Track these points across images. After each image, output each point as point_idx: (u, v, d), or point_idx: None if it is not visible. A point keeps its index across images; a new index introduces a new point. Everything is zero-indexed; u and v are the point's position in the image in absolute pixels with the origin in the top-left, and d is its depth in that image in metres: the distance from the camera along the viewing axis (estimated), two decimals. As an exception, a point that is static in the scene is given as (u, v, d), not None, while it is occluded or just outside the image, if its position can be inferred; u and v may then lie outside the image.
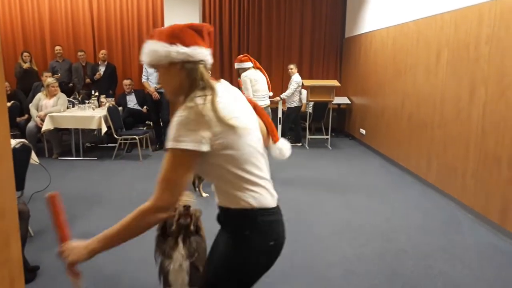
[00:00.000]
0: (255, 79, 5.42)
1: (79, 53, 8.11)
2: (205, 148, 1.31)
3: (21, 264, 0.91)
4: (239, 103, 1.47)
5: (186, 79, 1.39)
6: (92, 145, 7.51)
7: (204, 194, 4.78)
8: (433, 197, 4.86)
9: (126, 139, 6.86)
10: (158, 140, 7.39)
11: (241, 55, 5.69)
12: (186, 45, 1.38)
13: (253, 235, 1.43)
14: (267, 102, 5.67)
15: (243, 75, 5.43)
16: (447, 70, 4.79)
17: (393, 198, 4.81)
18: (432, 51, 5.13)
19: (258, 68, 5.52)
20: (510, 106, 3.71)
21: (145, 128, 7.37)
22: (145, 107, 7.38)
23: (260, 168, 1.45)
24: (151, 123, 7.51)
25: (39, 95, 6.65)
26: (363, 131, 7.79)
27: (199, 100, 1.33)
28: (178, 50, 1.36)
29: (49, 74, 7.37)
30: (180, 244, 1.98)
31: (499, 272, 3.16)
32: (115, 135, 6.49)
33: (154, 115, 7.23)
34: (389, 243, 3.62)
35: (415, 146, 5.57)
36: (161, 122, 7.29)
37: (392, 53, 6.41)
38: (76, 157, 6.56)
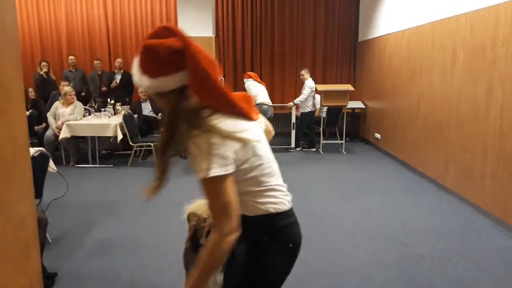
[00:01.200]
0: (256, 90, 7.11)
1: (95, 62, 8.24)
2: (231, 168, 1.30)
3: (40, 272, 0.93)
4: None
5: (174, 105, 1.31)
6: (108, 152, 7.60)
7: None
8: (451, 202, 4.78)
9: (142, 146, 6.92)
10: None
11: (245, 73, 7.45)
12: (152, 76, 1.28)
13: (272, 239, 1.45)
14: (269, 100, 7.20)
15: (247, 83, 7.28)
16: (463, 72, 4.72)
17: (409, 203, 4.74)
18: (448, 52, 5.07)
19: (258, 81, 7.26)
20: (529, 108, 3.64)
21: (160, 135, 7.43)
22: (160, 114, 7.45)
23: (273, 174, 1.47)
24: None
25: (56, 104, 6.77)
26: (378, 135, 7.72)
27: (202, 127, 1.29)
28: (147, 84, 1.30)
29: (66, 83, 7.51)
30: None
31: (521, 278, 3.09)
32: (130, 143, 6.56)
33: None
34: (406, 248, 3.57)
35: (432, 149, 5.49)
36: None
37: (407, 55, 6.35)
38: (92, 164, 6.65)
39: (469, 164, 4.58)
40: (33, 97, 7.27)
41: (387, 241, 3.72)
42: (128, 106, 7.56)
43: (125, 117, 6.56)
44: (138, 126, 7.02)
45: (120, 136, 6.39)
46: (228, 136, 1.29)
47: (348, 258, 3.38)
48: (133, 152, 6.73)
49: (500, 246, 3.63)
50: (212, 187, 1.29)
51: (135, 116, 7.22)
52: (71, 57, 8.25)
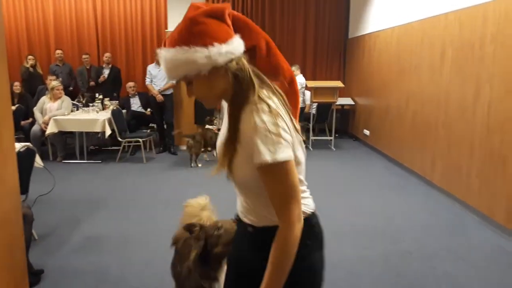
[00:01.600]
0: None
1: (84, 56, 8.14)
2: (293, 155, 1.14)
3: (25, 269, 0.91)
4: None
5: (233, 80, 1.14)
6: (96, 148, 7.53)
7: (199, 164, 6.25)
8: (438, 198, 4.83)
9: (130, 142, 6.87)
10: (162, 143, 7.40)
11: None
12: (222, 41, 1.11)
13: (313, 241, 1.29)
14: None
15: None
16: (452, 70, 4.77)
17: (397, 200, 4.78)
18: (437, 50, 5.11)
19: None
20: (515, 106, 3.69)
21: (149, 131, 7.37)
22: (148, 109, 7.40)
23: (302, 171, 1.30)
24: (155, 126, 7.53)
25: (44, 99, 6.68)
26: (367, 132, 7.76)
27: (269, 101, 1.12)
28: (219, 51, 1.10)
29: (54, 77, 7.40)
30: (225, 266, 1.71)
31: (505, 273, 3.13)
32: (119, 138, 6.50)
33: (158, 117, 7.25)
34: (393, 244, 3.60)
35: (419, 146, 5.54)
36: (165, 125, 7.30)
37: (396, 53, 6.39)
38: (80, 160, 6.58)
39: (456, 162, 4.63)
40: (19, 91, 7.15)
41: (374, 237, 3.74)
42: (117, 101, 7.49)
43: (113, 112, 6.50)
44: (126, 121, 6.96)
45: (108, 132, 6.33)
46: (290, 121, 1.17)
47: (335, 254, 3.39)
48: (121, 147, 6.67)
49: (487, 242, 3.68)
50: (279, 172, 1.11)
51: (124, 111, 7.16)
52: (58, 51, 8.14)
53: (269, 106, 1.10)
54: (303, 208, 1.22)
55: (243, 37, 1.16)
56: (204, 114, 7.21)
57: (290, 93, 1.25)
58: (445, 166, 4.90)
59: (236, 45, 1.14)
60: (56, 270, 3.08)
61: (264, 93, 1.14)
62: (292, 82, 1.28)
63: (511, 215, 3.75)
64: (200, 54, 1.09)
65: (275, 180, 1.12)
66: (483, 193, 4.15)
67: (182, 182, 5.53)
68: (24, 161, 3.28)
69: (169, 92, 7.17)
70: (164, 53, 1.15)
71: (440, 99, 5.01)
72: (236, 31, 1.16)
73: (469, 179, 4.39)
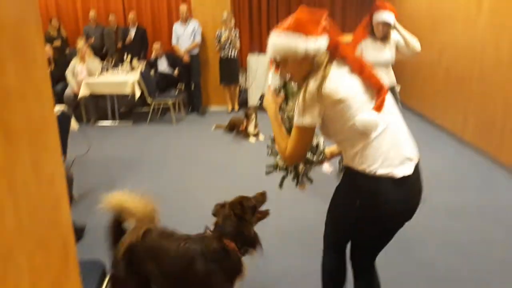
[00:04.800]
0: None
1: (110, 17, 8.14)
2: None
3: (71, 225, 0.99)
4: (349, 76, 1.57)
5: (315, 67, 1.54)
6: (127, 110, 7.68)
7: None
8: (469, 155, 4.74)
9: (159, 103, 6.97)
10: (190, 103, 7.47)
11: None
12: (316, 37, 1.52)
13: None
14: None
15: None
16: (488, 20, 4.53)
17: (426, 156, 4.71)
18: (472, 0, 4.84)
19: None
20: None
21: (177, 92, 7.43)
22: (176, 70, 7.41)
23: None
24: (183, 86, 7.57)
25: (74, 61, 6.79)
26: (397, 87, 7.56)
27: (316, 79, 1.52)
28: (315, 44, 1.51)
29: (83, 39, 7.47)
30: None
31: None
32: (148, 101, 6.60)
33: (185, 78, 7.28)
34: (422, 202, 3.59)
35: (452, 102, 5.39)
36: (192, 85, 7.33)
37: (428, 1, 6.09)
38: (112, 122, 6.75)
39: (490, 117, 4.50)
40: (50, 56, 7.23)
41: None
42: (145, 62, 7.53)
43: (142, 74, 6.56)
44: (155, 82, 7.02)
45: (138, 94, 6.43)
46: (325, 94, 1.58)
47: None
48: (151, 109, 6.79)
49: (518, 198, 3.64)
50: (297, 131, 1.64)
51: (151, 72, 7.22)
52: (91, 12, 8.13)
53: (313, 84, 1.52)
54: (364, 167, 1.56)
55: (329, 36, 1.56)
56: (230, 74, 7.19)
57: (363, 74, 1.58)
58: (478, 122, 4.77)
59: (323, 42, 1.53)
60: (96, 228, 3.26)
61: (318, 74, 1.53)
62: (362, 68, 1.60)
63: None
64: (300, 44, 1.50)
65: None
66: (517, 149, 4.05)
67: (211, 142, 5.63)
68: (61, 125, 3.41)
69: (195, 52, 7.14)
70: (273, 37, 1.57)
71: (476, 50, 4.79)
72: (328, 32, 1.55)
73: (502, 135, 4.27)
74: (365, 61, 1.64)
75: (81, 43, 6.81)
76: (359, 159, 1.56)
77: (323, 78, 1.50)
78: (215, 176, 4.30)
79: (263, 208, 2.00)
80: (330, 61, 1.54)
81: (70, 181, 3.13)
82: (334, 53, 1.55)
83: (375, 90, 1.57)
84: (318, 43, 1.51)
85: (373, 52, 3.53)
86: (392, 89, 3.50)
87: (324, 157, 1.96)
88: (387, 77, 3.58)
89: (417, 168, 1.64)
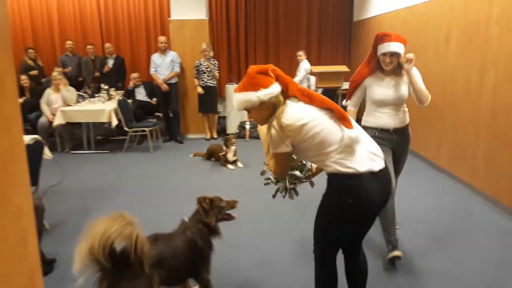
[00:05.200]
0: None
1: (88, 47, 8.15)
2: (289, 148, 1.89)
3: (38, 259, 0.95)
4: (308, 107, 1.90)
5: (272, 109, 1.87)
6: (103, 138, 7.60)
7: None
8: (444, 181, 4.84)
9: (137, 132, 6.92)
10: (168, 131, 7.45)
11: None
12: (266, 87, 1.86)
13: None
14: None
15: None
16: (457, 51, 4.73)
17: (402, 182, 4.78)
18: (442, 32, 5.06)
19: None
20: (521, 87, 3.67)
21: (155, 120, 7.41)
22: (154, 99, 7.42)
23: None
24: (161, 115, 7.56)
25: (48, 90, 6.73)
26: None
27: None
28: (264, 93, 1.85)
29: (60, 69, 7.43)
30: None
31: (509, 255, 3.16)
32: (125, 128, 6.55)
33: (163, 106, 7.28)
34: (399, 226, 3.63)
35: (425, 129, 5.53)
36: (171, 114, 7.33)
37: (402, 35, 6.31)
38: (88, 150, 6.65)
39: (462, 144, 4.63)
40: (27, 85, 7.11)
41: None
42: (122, 91, 7.52)
43: (120, 102, 6.54)
44: (132, 111, 7.00)
45: (115, 122, 6.38)
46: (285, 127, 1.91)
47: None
48: (128, 137, 6.73)
49: (492, 224, 3.70)
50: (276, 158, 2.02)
51: (129, 101, 7.20)
52: (68, 42, 8.11)
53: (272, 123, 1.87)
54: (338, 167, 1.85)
55: (280, 83, 1.91)
56: (209, 103, 7.23)
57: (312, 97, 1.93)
58: (451, 149, 4.90)
59: (274, 88, 1.87)
60: (69, 259, 3.14)
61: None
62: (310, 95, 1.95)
63: (517, 197, 3.76)
64: (252, 96, 1.86)
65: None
66: (489, 176, 4.16)
67: (189, 170, 5.59)
68: (34, 154, 3.34)
69: (173, 81, 7.18)
70: (234, 95, 1.96)
71: (445, 81, 4.98)
72: (276, 80, 1.91)
73: (474, 162, 4.39)
74: (312, 91, 1.98)
75: (56, 73, 6.77)
76: (341, 164, 1.84)
77: (280, 114, 1.83)
78: (193, 204, 4.23)
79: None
80: (284, 100, 1.89)
81: (41, 212, 3.04)
82: (287, 93, 1.90)
83: (332, 110, 1.90)
84: (268, 91, 1.85)
85: (380, 90, 3.06)
86: (404, 130, 3.17)
87: (310, 174, 2.22)
88: (396, 119, 3.11)
89: (385, 163, 1.96)
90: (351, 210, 1.88)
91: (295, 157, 2.15)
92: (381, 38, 2.97)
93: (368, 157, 1.88)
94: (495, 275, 2.89)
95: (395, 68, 3.04)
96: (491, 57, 4.08)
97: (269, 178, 2.31)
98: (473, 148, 4.42)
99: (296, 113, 1.84)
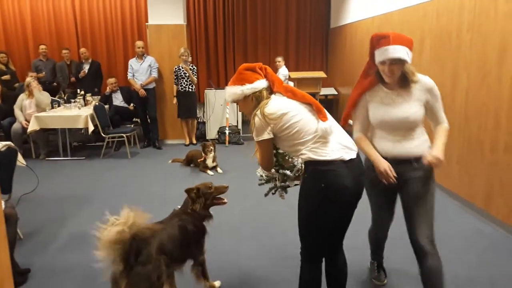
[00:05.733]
0: None
1: (64, 51, 8.01)
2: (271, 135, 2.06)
3: (9, 269, 0.93)
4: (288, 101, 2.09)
5: (255, 102, 2.10)
6: (79, 144, 7.46)
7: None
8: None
9: (114, 137, 6.83)
10: (146, 137, 7.37)
11: None
12: (251, 82, 2.09)
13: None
14: None
15: None
16: (430, 58, 4.84)
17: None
18: (416, 39, 5.15)
19: None
20: (491, 92, 3.78)
21: (132, 126, 7.33)
22: (131, 104, 7.34)
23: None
24: (138, 120, 7.48)
25: (22, 96, 6.58)
26: (351, 121, 7.82)
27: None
28: (248, 88, 2.09)
29: (34, 74, 7.28)
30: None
31: (484, 255, 3.24)
32: (102, 134, 6.45)
33: (141, 112, 7.21)
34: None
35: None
36: (148, 119, 7.26)
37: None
38: (64, 157, 6.52)
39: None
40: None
41: (358, 227, 3.80)
42: (99, 97, 7.41)
43: (96, 108, 6.44)
44: (109, 116, 6.90)
45: (91, 128, 6.28)
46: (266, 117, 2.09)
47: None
48: (105, 143, 6.63)
49: (467, 227, 3.79)
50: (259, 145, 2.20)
51: (106, 106, 7.10)
52: (42, 46, 7.94)
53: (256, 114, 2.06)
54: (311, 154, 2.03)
55: (267, 79, 2.15)
56: (188, 108, 7.19)
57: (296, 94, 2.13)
58: (426, 153, 4.99)
59: (259, 84, 2.10)
60: (43, 269, 3.08)
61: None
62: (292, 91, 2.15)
63: (489, 199, 3.86)
64: (238, 90, 2.11)
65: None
66: (463, 178, 4.26)
67: (167, 176, 5.54)
68: (6, 161, 3.25)
69: (151, 86, 7.12)
70: (226, 88, 2.23)
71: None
72: (265, 77, 2.15)
73: (449, 166, 4.49)
74: (295, 88, 2.16)
75: (29, 79, 6.62)
76: (314, 152, 2.00)
77: (263, 105, 2.03)
78: (171, 210, 4.20)
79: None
80: (269, 95, 2.10)
81: (14, 220, 2.96)
82: (272, 88, 2.13)
83: (311, 104, 2.09)
84: (252, 86, 2.08)
85: (381, 108, 2.36)
86: (412, 163, 2.41)
87: (299, 174, 2.27)
88: (400, 146, 2.38)
89: (358, 155, 2.12)
90: (326, 195, 2.02)
91: (288, 158, 2.31)
92: (377, 41, 2.26)
93: (340, 148, 2.04)
94: (470, 276, 2.96)
95: (401, 79, 2.32)
96: (463, 63, 4.20)
97: (261, 176, 2.41)
98: (447, 152, 4.50)
99: (278, 104, 2.05)
